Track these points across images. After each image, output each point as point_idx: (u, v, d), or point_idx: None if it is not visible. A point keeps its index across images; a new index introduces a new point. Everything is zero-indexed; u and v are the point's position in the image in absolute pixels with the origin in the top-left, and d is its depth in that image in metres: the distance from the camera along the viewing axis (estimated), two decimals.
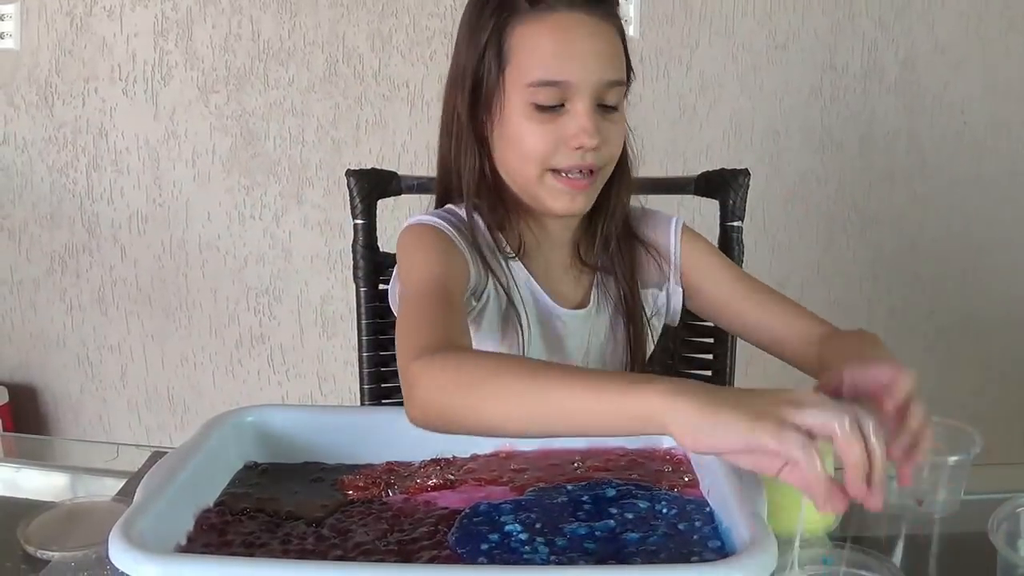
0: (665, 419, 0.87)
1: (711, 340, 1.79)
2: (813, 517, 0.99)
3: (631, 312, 1.48)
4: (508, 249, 1.40)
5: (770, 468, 0.84)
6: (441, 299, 1.17)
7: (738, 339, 1.76)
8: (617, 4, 1.36)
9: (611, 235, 1.45)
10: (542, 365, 1.00)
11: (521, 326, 1.38)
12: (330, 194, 2.71)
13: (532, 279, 1.42)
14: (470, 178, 1.37)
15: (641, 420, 0.89)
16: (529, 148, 1.30)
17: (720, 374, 1.78)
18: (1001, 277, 2.87)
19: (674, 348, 1.80)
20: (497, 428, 0.99)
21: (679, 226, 1.52)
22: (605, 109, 1.31)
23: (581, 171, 1.31)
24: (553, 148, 1.29)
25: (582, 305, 1.47)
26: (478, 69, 1.33)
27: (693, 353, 1.81)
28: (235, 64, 2.66)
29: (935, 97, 2.74)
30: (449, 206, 1.42)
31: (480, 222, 1.38)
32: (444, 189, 1.45)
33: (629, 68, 1.38)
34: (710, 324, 1.78)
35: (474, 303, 1.34)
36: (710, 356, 1.79)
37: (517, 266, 1.41)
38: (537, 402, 0.95)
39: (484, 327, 1.38)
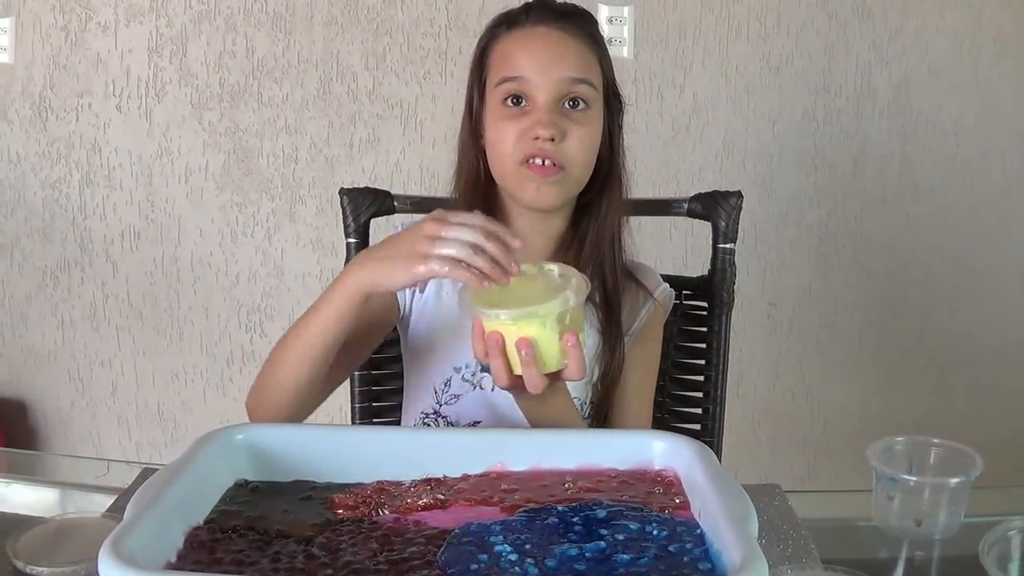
0: (362, 288, 1.25)
1: (702, 362, 1.80)
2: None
3: (607, 329, 1.54)
4: None
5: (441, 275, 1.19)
6: None
7: (728, 363, 1.78)
8: (591, 22, 1.52)
9: (601, 241, 1.54)
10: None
11: None
12: (323, 212, 2.71)
13: None
14: (468, 180, 1.54)
15: (352, 295, 1.26)
16: (502, 143, 1.46)
17: (710, 397, 1.79)
18: (992, 301, 2.87)
19: (666, 368, 1.80)
20: (286, 377, 1.37)
21: (667, 294, 1.64)
22: (572, 107, 1.45)
23: (544, 161, 1.43)
24: (518, 139, 1.43)
25: None
26: (471, 89, 1.54)
27: (684, 375, 1.82)
28: (229, 81, 2.66)
29: (928, 120, 2.75)
30: None
31: None
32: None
33: (612, 84, 1.53)
34: (702, 345, 1.79)
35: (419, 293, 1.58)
36: (701, 377, 1.80)
37: None
38: (293, 341, 1.33)
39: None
